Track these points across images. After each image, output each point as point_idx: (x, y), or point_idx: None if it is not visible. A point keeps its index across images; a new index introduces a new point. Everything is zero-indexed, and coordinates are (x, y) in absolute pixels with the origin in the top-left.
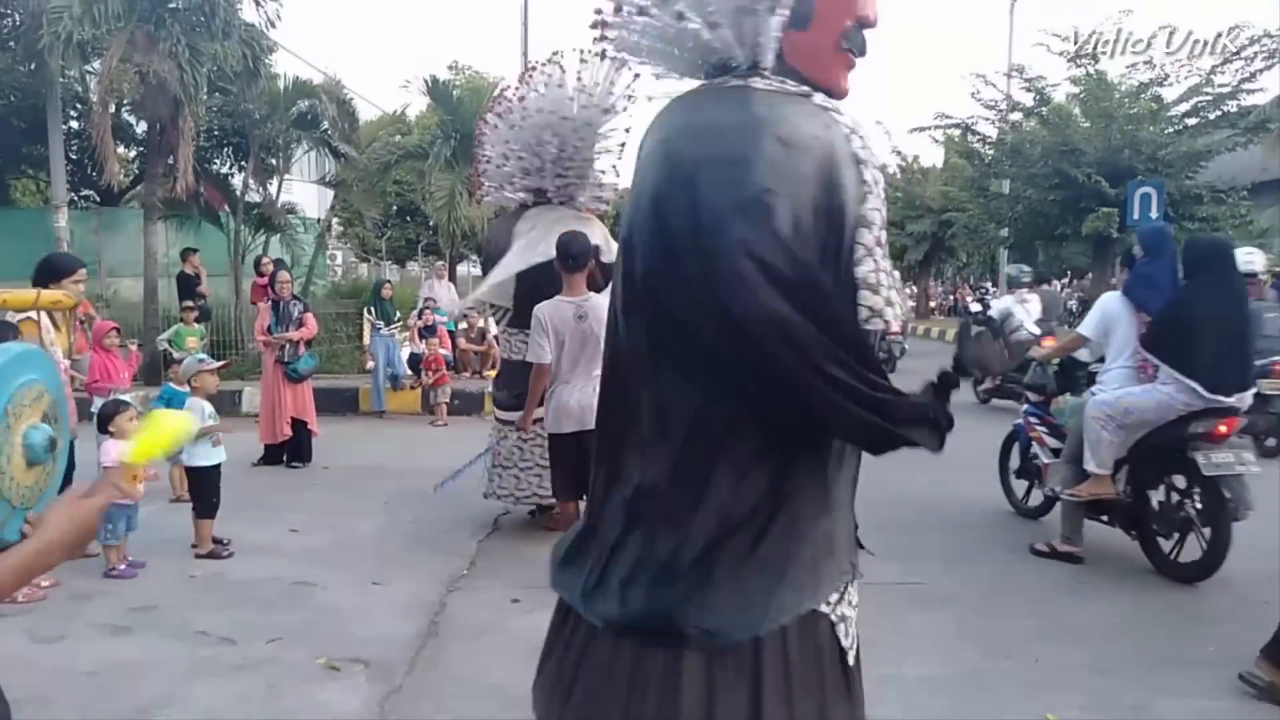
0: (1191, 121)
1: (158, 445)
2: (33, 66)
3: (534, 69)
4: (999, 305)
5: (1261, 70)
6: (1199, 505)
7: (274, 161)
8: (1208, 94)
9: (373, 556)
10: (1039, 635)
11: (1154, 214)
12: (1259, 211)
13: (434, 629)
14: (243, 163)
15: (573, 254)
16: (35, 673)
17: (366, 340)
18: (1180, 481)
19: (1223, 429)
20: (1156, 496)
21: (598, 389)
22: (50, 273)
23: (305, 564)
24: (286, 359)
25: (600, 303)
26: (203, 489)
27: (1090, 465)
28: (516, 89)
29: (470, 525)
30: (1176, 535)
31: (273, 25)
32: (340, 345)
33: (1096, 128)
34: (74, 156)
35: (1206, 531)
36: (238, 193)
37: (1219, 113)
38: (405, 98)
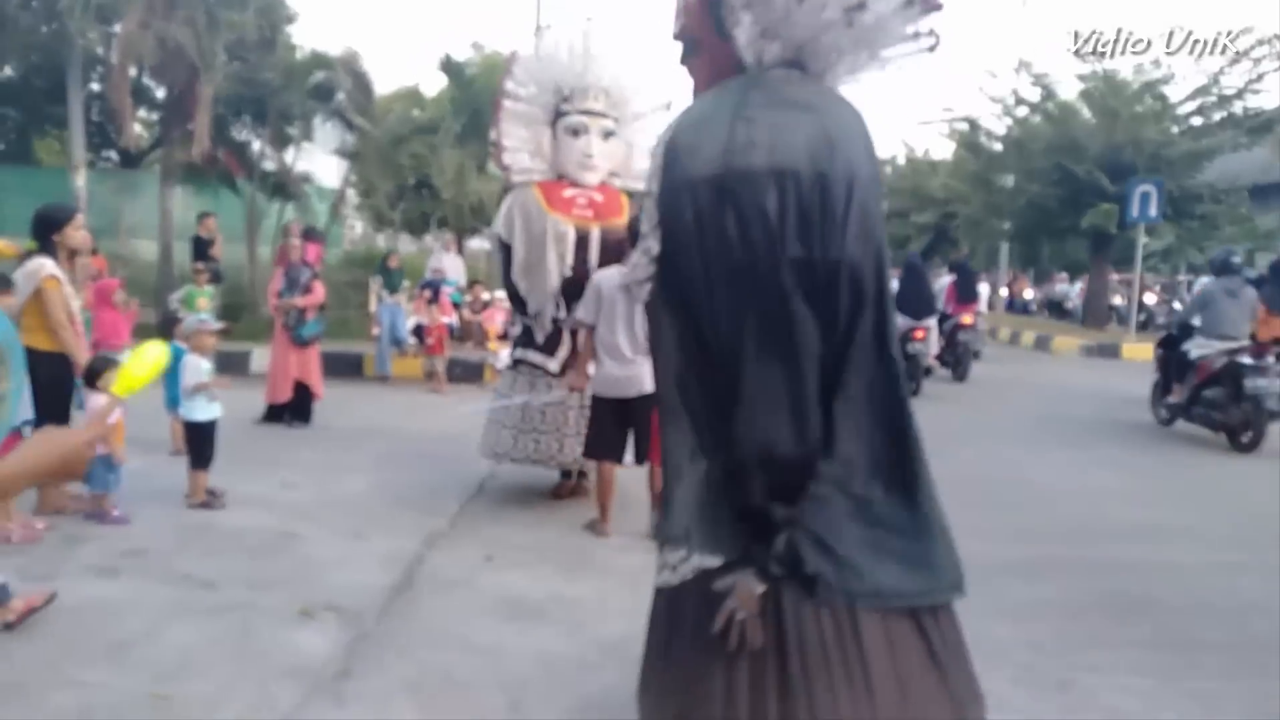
0: (1196, 122)
1: (138, 379)
2: (53, 27)
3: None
4: None
5: (1269, 72)
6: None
7: (291, 131)
8: (1214, 95)
9: (358, 512)
10: (978, 613)
11: (1153, 212)
12: (1264, 213)
13: (408, 581)
14: (260, 131)
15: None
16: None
17: (373, 308)
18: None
19: (919, 334)
20: None
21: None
22: (48, 225)
23: (293, 516)
24: (293, 324)
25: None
26: (198, 442)
27: None
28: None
29: (456, 487)
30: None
31: None
32: (350, 311)
33: (1100, 124)
34: (95, 119)
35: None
36: (255, 160)
37: (1224, 114)
38: (422, 74)
